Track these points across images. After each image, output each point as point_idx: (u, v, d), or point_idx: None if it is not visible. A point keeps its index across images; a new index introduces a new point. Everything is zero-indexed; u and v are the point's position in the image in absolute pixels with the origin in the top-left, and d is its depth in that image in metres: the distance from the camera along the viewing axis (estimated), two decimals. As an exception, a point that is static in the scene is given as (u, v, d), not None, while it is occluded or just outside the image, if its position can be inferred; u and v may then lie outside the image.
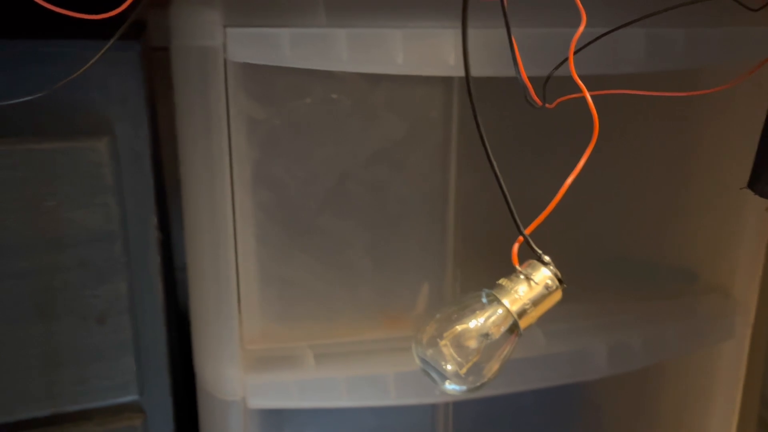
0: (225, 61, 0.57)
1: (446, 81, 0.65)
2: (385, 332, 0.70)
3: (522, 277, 0.36)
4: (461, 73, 0.60)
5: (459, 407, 0.74)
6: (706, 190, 0.76)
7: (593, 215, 0.74)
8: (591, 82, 0.53)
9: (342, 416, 0.72)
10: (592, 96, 0.47)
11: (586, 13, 0.45)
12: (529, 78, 0.45)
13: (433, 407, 0.74)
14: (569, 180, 0.35)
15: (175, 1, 0.58)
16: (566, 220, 0.72)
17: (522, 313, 0.35)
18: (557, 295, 0.36)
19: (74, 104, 0.61)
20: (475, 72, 0.56)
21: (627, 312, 0.77)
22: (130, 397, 0.68)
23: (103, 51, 0.34)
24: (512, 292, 0.35)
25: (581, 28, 0.37)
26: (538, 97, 0.42)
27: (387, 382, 0.68)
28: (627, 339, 0.74)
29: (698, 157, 0.75)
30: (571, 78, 0.40)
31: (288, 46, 0.56)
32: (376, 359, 0.68)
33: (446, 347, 0.34)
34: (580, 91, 0.39)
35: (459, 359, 0.34)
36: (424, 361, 0.35)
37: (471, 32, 0.51)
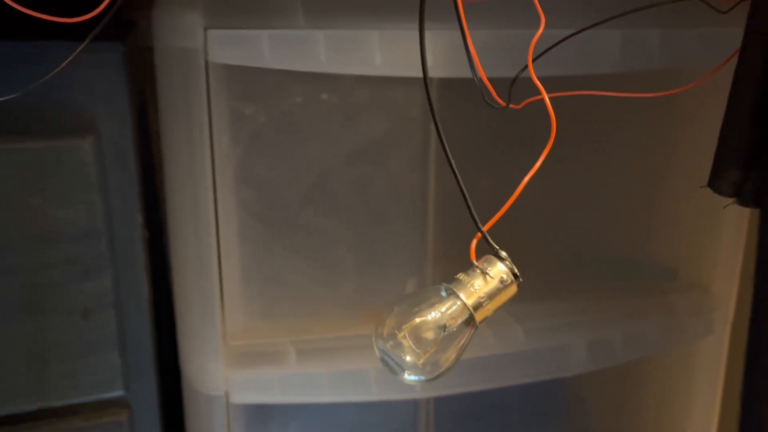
0: (206, 62, 0.59)
1: (426, 81, 0.66)
2: (367, 328, 0.71)
3: (478, 271, 0.37)
4: (439, 73, 0.61)
5: (440, 403, 0.75)
6: (685, 189, 0.77)
7: (574, 214, 0.75)
8: (571, 83, 0.53)
9: (326, 412, 0.73)
10: (571, 96, 0.48)
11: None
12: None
13: (415, 403, 0.75)
14: (526, 179, 0.37)
15: (157, 4, 0.60)
16: (547, 219, 0.73)
17: (478, 306, 0.36)
18: (512, 290, 0.37)
19: (60, 104, 0.62)
20: (456, 73, 0.58)
21: (607, 309, 0.77)
22: (116, 393, 0.69)
23: (76, 52, 0.35)
24: (469, 286, 0.37)
25: (540, 31, 0.38)
26: (503, 98, 0.43)
27: (369, 377, 0.69)
28: (607, 335, 0.75)
29: (678, 155, 0.76)
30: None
31: (267, 48, 0.57)
32: (358, 355, 0.69)
33: (405, 339, 0.35)
34: (556, 91, 0.40)
35: (417, 350, 0.35)
36: (383, 352, 0.36)
37: (449, 34, 0.52)
